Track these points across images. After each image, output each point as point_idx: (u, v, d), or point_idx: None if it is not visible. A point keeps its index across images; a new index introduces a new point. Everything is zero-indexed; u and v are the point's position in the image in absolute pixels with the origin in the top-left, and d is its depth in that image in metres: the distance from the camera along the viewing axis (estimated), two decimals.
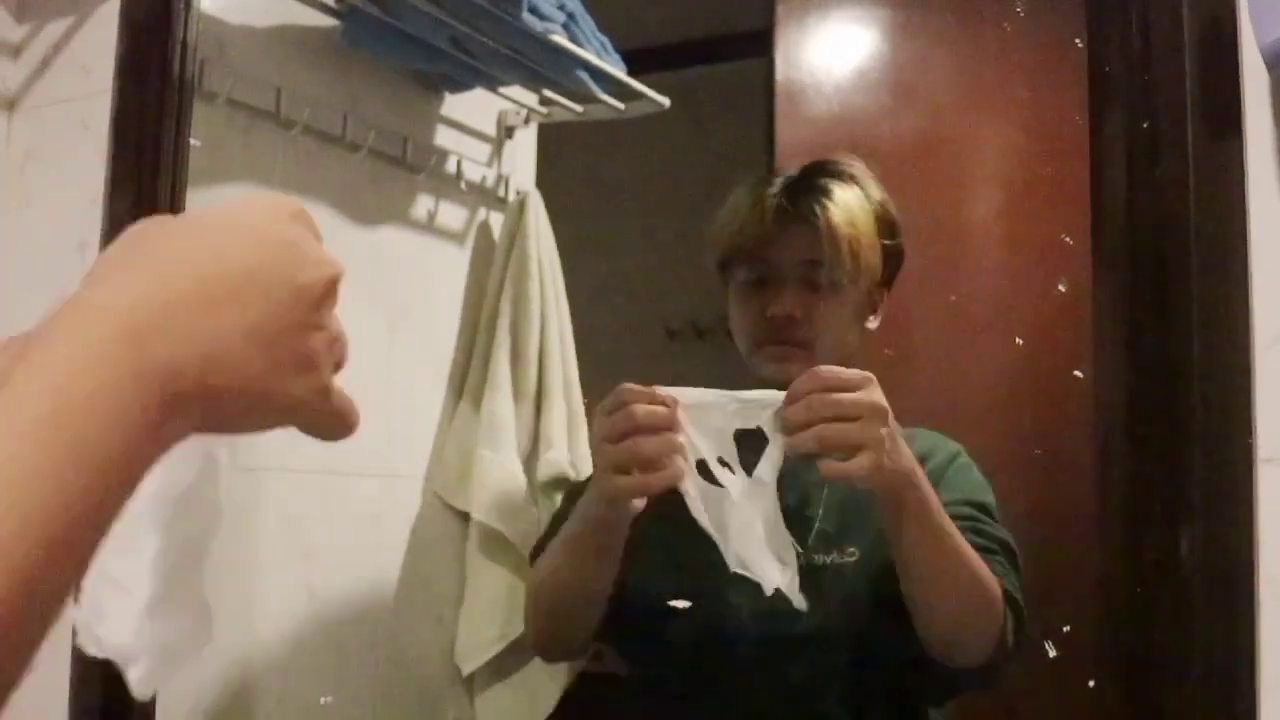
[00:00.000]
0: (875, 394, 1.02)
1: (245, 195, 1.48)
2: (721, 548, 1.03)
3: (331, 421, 0.48)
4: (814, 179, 1.32)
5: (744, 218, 1.33)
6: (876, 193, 1.33)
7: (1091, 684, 0.93)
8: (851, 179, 1.32)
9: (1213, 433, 0.88)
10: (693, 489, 1.03)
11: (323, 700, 1.54)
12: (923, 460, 1.13)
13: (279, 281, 0.45)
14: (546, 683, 1.69)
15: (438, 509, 1.71)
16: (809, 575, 1.16)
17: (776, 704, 1.24)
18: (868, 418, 1.01)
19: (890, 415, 1.03)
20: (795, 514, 1.21)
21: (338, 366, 0.48)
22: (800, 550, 1.13)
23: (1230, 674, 0.85)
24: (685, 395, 1.04)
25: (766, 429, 1.03)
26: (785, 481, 1.11)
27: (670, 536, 1.17)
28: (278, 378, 0.45)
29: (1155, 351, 0.91)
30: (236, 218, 0.47)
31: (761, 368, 1.30)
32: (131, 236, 0.46)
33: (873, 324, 1.38)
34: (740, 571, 1.03)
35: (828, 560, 1.25)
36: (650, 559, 1.27)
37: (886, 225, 1.32)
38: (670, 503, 1.06)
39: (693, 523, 1.05)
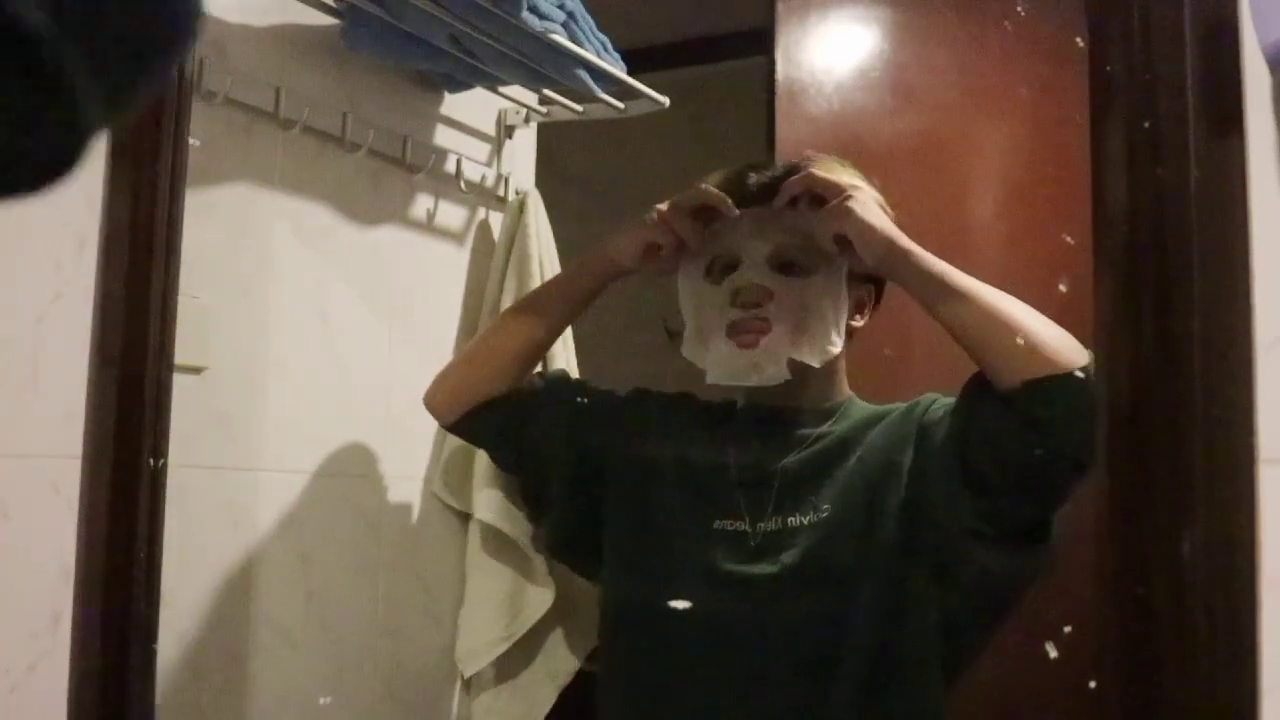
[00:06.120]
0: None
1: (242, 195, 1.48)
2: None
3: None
4: (794, 168, 1.32)
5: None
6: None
7: (1092, 684, 0.93)
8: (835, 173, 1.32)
9: (1213, 433, 0.87)
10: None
11: (322, 701, 1.54)
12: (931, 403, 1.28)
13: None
14: (543, 683, 1.69)
15: (437, 509, 1.70)
16: (781, 537, 1.21)
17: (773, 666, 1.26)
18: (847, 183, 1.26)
19: (867, 189, 1.28)
20: (753, 484, 1.25)
21: None
22: (769, 516, 1.27)
23: (1231, 674, 0.85)
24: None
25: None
26: (740, 456, 1.30)
27: (644, 532, 1.33)
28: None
29: (1155, 351, 0.91)
30: None
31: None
32: None
33: (859, 322, 1.36)
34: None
35: (803, 521, 1.26)
36: (627, 560, 1.32)
37: None
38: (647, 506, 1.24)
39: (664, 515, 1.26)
